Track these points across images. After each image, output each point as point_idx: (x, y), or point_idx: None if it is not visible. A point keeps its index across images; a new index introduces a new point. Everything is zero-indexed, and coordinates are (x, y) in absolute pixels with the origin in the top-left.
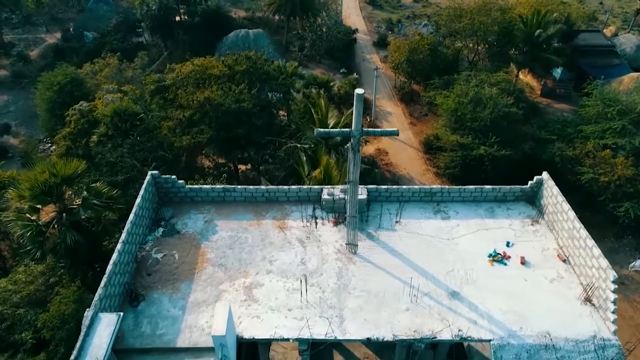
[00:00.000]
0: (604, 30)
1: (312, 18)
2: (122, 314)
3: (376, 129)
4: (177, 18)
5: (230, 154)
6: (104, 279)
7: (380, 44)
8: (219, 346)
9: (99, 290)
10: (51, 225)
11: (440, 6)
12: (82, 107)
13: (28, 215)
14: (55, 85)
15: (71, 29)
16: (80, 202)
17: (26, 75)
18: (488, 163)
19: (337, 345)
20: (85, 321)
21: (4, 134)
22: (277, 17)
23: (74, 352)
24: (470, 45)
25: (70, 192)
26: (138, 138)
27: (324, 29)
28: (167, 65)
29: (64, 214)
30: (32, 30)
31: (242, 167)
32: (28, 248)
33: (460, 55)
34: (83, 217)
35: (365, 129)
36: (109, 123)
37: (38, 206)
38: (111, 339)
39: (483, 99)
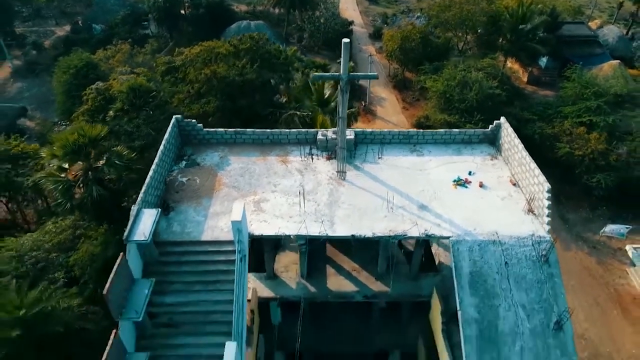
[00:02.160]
0: (590, 23)
1: (310, 10)
2: (160, 209)
3: (359, 73)
4: (182, 11)
5: (235, 126)
6: (143, 189)
7: (376, 36)
8: (236, 230)
9: (140, 195)
10: (78, 183)
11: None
12: (98, 86)
13: (57, 174)
14: (72, 68)
15: (80, 22)
16: (104, 162)
17: (39, 63)
18: None
19: (328, 260)
20: (133, 213)
21: (22, 117)
22: (277, 10)
23: (126, 232)
24: (460, 34)
25: (94, 153)
26: (151, 112)
27: (322, 20)
28: (176, 49)
29: (90, 172)
30: (42, 24)
31: None
32: (59, 201)
33: (450, 44)
34: (107, 174)
35: (351, 74)
36: (125, 99)
37: (65, 166)
38: (153, 223)
39: (469, 82)
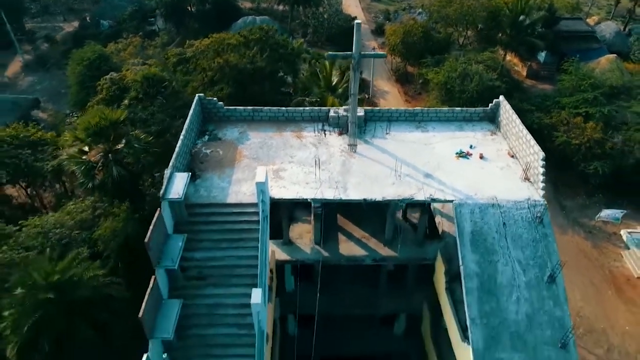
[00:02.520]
0: (588, 20)
1: (314, 7)
2: (190, 173)
3: (369, 52)
4: (189, 8)
5: None
6: (174, 156)
7: (378, 31)
8: (260, 191)
9: (171, 162)
10: (98, 165)
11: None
12: (112, 76)
13: (79, 156)
14: (85, 60)
15: (88, 18)
16: (124, 144)
17: (50, 58)
18: None
19: (340, 229)
20: (166, 176)
21: (35, 108)
22: (281, 6)
23: (162, 191)
24: (460, 29)
25: (114, 136)
26: (165, 100)
27: (325, 16)
28: (187, 41)
29: (110, 155)
30: (51, 20)
31: None
32: (82, 181)
33: (451, 38)
34: (126, 156)
35: (362, 53)
36: (139, 88)
37: (85, 149)
38: (185, 184)
39: (470, 74)
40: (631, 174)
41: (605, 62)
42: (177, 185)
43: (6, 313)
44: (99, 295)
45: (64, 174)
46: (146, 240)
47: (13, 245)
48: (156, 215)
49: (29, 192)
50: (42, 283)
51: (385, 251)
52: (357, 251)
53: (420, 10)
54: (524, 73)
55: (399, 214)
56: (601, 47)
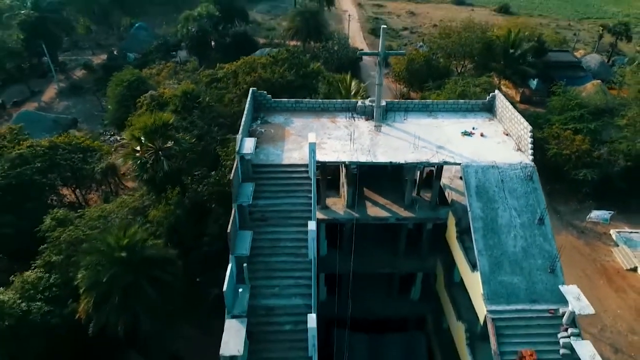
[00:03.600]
0: (575, 53)
1: (324, 41)
2: (256, 139)
3: (391, 51)
4: (211, 42)
5: None
6: (240, 129)
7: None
8: (311, 151)
9: (240, 131)
10: (150, 160)
11: (432, 35)
12: (152, 93)
13: (133, 154)
14: (125, 82)
15: (115, 51)
16: (172, 143)
17: (84, 84)
18: None
19: (366, 197)
20: (238, 140)
21: (73, 127)
22: (293, 42)
23: (237, 148)
24: (458, 59)
25: (164, 136)
26: (201, 112)
27: (335, 48)
28: (217, 64)
29: (160, 152)
30: (80, 53)
31: None
32: (137, 173)
33: (450, 67)
34: (175, 153)
35: (386, 51)
36: (178, 102)
37: (137, 149)
38: (254, 144)
39: (468, 94)
40: (617, 181)
41: (591, 87)
42: (248, 144)
43: (79, 275)
44: (161, 257)
45: (110, 176)
46: (231, 176)
47: (78, 226)
48: (234, 165)
49: (76, 194)
50: (115, 245)
51: (405, 213)
52: (382, 213)
53: (421, 44)
54: (517, 98)
55: (414, 192)
56: (587, 75)
